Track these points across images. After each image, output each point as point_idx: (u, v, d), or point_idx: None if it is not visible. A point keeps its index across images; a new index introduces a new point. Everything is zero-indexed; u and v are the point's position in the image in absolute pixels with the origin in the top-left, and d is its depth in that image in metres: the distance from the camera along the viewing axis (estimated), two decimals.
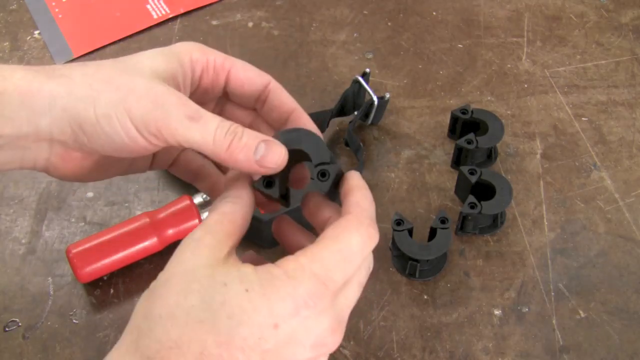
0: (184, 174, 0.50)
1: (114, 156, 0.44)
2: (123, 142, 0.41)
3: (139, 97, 0.40)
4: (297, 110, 0.46)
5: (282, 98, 0.46)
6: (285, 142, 0.42)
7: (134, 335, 0.37)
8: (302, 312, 0.37)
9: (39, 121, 0.41)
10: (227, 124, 0.41)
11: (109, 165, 0.46)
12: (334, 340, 0.39)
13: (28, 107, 0.41)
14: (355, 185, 0.43)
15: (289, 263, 0.38)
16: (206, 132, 0.40)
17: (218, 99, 0.49)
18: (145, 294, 0.38)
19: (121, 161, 0.47)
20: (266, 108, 0.47)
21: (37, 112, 0.41)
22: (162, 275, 0.38)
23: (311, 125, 0.46)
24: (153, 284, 0.38)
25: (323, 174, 0.42)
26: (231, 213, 0.41)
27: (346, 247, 0.39)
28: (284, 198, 0.44)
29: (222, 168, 0.50)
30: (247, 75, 0.46)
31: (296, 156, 0.43)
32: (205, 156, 0.50)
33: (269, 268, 0.38)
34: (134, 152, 0.42)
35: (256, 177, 0.43)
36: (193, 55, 0.45)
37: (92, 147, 0.42)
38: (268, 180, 0.42)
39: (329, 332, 0.38)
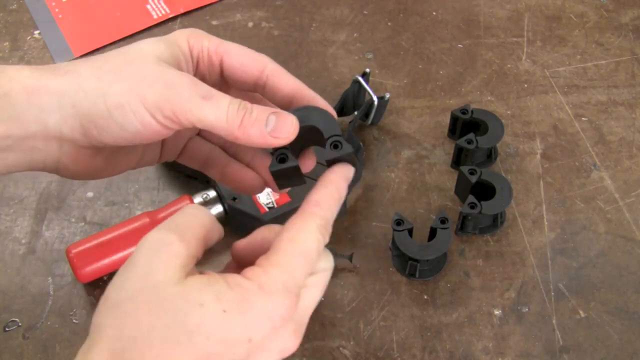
0: (193, 161, 0.50)
1: (125, 147, 0.43)
2: (136, 130, 0.40)
3: (151, 82, 0.40)
4: (300, 89, 0.46)
5: (282, 80, 0.45)
6: None
7: (104, 358, 0.36)
8: (276, 324, 0.37)
9: (47, 119, 0.41)
10: (236, 101, 0.41)
11: (120, 160, 0.46)
12: (296, 343, 0.40)
13: (35, 106, 0.40)
14: (326, 180, 0.42)
15: (260, 276, 0.37)
16: (219, 110, 0.40)
17: (220, 85, 0.48)
18: (109, 310, 0.36)
19: (131, 155, 0.46)
20: (268, 91, 0.46)
21: (45, 110, 0.40)
22: (124, 285, 0.37)
23: (318, 100, 0.45)
24: (116, 296, 0.37)
25: (336, 145, 0.42)
26: (202, 215, 0.40)
27: (305, 251, 0.39)
28: (284, 181, 0.44)
29: (230, 153, 0.50)
30: (240, 61, 0.45)
31: (306, 135, 0.43)
32: (212, 142, 0.50)
33: (241, 282, 0.37)
34: (146, 139, 0.41)
35: (268, 161, 0.43)
36: (190, 42, 0.45)
37: (103, 141, 0.41)
38: (281, 157, 0.42)
39: (293, 335, 0.39)
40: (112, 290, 0.37)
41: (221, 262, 0.45)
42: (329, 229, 0.41)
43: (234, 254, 0.43)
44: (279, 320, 0.37)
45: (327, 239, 0.41)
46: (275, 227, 0.42)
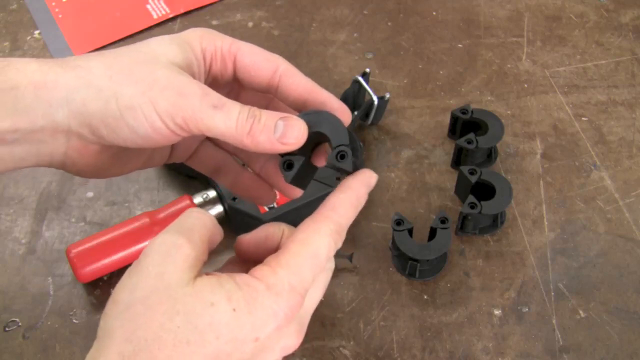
0: (204, 167, 0.50)
1: (133, 148, 0.43)
2: (146, 134, 0.40)
3: (163, 88, 0.40)
4: (314, 90, 0.45)
5: (295, 80, 0.45)
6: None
7: None
8: (280, 323, 0.38)
9: (55, 114, 0.40)
10: (246, 108, 0.40)
11: (128, 159, 0.45)
12: (298, 341, 0.40)
13: (44, 100, 0.40)
14: (345, 185, 0.42)
15: (268, 276, 0.38)
16: (229, 119, 0.40)
17: (232, 85, 0.48)
18: (120, 312, 0.36)
19: (140, 154, 0.46)
20: (281, 91, 0.45)
21: (53, 105, 0.40)
22: (136, 287, 0.37)
23: (332, 101, 0.45)
24: (127, 298, 0.36)
25: (342, 155, 0.42)
26: (205, 218, 0.40)
27: (316, 254, 0.40)
28: (303, 182, 0.44)
29: (240, 158, 0.50)
30: (253, 61, 0.45)
31: (316, 139, 0.43)
32: (222, 148, 0.49)
33: (249, 282, 0.38)
34: (156, 143, 0.41)
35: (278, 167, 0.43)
36: (203, 44, 0.44)
37: (111, 141, 0.41)
38: (288, 163, 0.42)
39: (295, 335, 0.40)
40: (122, 293, 0.37)
41: (220, 262, 0.45)
42: (343, 235, 0.41)
43: (238, 248, 0.43)
44: (283, 319, 0.38)
45: (339, 245, 0.41)
46: (280, 225, 0.43)
